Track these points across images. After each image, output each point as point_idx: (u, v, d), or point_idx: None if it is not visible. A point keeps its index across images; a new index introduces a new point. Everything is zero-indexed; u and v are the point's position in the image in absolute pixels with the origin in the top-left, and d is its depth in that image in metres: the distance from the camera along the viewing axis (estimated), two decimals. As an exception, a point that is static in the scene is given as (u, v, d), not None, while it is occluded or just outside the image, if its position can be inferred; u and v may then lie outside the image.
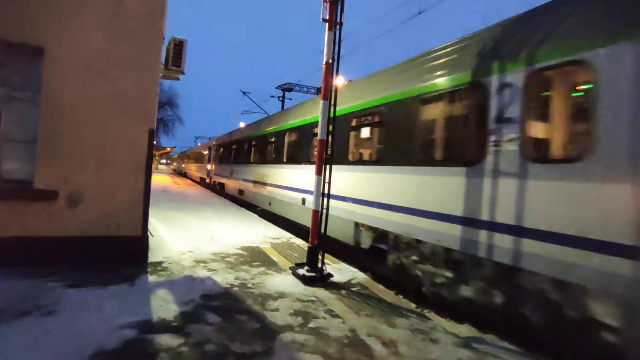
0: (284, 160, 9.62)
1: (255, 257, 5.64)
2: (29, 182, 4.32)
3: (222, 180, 17.69)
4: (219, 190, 18.22)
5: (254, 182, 12.00)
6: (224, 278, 4.45)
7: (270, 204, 10.44)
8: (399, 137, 5.20)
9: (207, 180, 22.24)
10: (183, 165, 43.65)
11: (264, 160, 11.50)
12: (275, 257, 5.74)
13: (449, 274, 4.30)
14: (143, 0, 4.69)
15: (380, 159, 5.69)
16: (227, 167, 16.72)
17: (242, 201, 13.63)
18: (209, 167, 22.33)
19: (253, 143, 12.98)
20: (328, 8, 4.76)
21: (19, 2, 4.15)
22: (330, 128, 4.85)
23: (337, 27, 4.75)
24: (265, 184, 10.82)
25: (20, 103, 4.36)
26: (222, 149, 18.94)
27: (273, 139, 10.80)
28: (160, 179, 25.64)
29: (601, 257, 2.81)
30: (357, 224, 6.05)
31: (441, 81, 4.51)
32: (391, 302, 4.20)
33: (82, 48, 4.42)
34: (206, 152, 24.21)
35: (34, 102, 4.34)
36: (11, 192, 4.18)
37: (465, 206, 4.01)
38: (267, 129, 11.44)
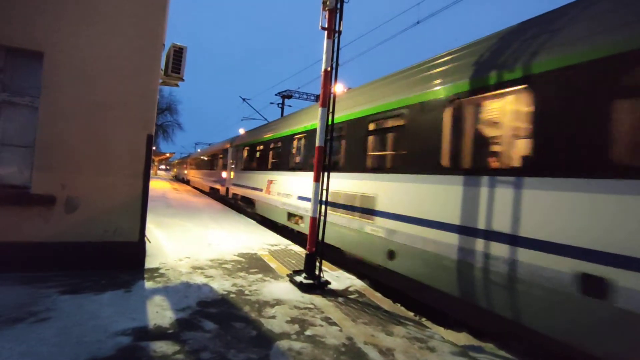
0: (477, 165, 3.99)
1: (253, 263, 5.61)
2: (25, 187, 4.32)
3: (248, 194, 12.50)
4: (241, 207, 13.42)
5: (347, 207, 6.10)
6: (221, 285, 4.43)
7: (392, 256, 4.90)
8: None
9: (222, 192, 17.23)
10: (185, 172, 38.17)
11: (377, 166, 5.64)
12: (273, 264, 5.71)
13: None
14: (143, 7, 4.73)
15: None
16: (258, 176, 11.54)
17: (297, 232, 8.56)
18: (224, 174, 17.11)
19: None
20: (327, 17, 4.81)
21: (19, 7, 4.19)
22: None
23: (336, 35, 4.79)
24: (373, 213, 5.35)
25: (19, 108, 4.37)
26: (248, 150, 13.45)
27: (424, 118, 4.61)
28: (159, 185, 25.62)
29: None
30: None
31: None
32: (389, 310, 4.17)
33: (81, 53, 4.45)
34: (220, 156, 18.70)
35: (33, 107, 4.36)
36: (8, 197, 4.16)
37: None
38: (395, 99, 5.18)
